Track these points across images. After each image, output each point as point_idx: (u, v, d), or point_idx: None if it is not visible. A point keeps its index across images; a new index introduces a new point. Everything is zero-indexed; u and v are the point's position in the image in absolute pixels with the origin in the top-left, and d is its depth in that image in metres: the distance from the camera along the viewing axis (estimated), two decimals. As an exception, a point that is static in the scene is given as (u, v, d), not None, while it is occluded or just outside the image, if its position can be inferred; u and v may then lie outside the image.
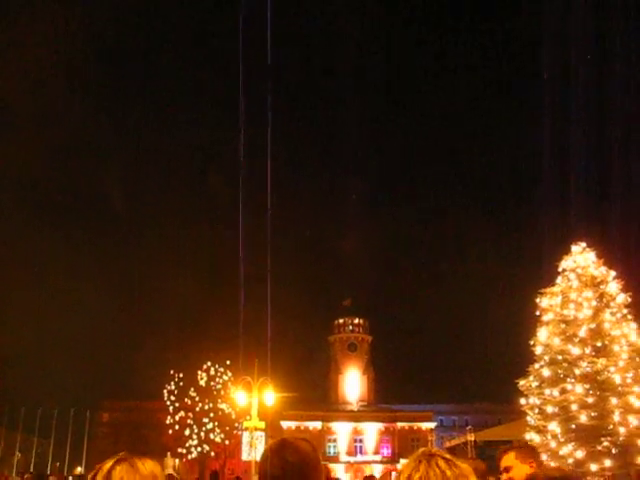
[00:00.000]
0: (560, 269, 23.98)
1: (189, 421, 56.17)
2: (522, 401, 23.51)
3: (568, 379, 21.91)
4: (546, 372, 22.57)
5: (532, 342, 23.54)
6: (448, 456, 2.28)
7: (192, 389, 56.47)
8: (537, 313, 23.75)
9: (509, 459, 4.40)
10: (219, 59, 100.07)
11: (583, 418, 20.96)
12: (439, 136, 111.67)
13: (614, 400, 20.89)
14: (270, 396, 24.28)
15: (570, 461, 20.78)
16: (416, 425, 68.64)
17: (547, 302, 23.58)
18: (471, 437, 34.39)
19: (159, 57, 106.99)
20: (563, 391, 21.81)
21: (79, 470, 53.18)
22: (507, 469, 4.37)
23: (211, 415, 56.27)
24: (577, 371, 21.73)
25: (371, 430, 69.08)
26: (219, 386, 56.52)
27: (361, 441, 68.91)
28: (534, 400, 23.01)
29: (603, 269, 23.49)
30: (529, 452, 4.55)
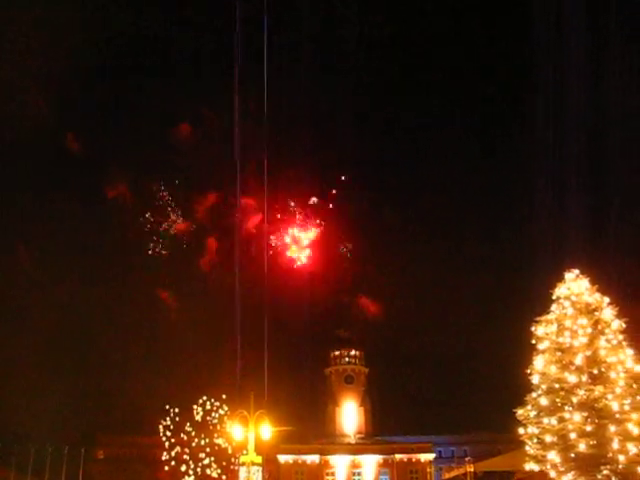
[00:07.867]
0: (554, 297, 24.07)
1: (185, 457, 55.55)
2: (521, 430, 23.40)
3: (566, 407, 21.87)
4: (544, 401, 22.52)
5: (529, 371, 23.50)
6: None
7: (188, 424, 55.94)
8: (533, 341, 23.78)
9: None
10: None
11: (582, 447, 20.86)
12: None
13: (612, 428, 20.82)
14: (267, 430, 24.04)
15: (570, 491, 20.63)
16: (415, 457, 67.95)
17: (543, 330, 23.63)
18: (470, 468, 34.14)
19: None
20: (561, 420, 21.74)
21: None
22: None
23: (207, 450, 55.67)
24: (574, 399, 21.69)
25: (369, 462, 68.28)
26: (215, 421, 56.05)
27: (359, 474, 68.08)
28: (532, 429, 22.92)
29: (597, 296, 23.59)
30: None
